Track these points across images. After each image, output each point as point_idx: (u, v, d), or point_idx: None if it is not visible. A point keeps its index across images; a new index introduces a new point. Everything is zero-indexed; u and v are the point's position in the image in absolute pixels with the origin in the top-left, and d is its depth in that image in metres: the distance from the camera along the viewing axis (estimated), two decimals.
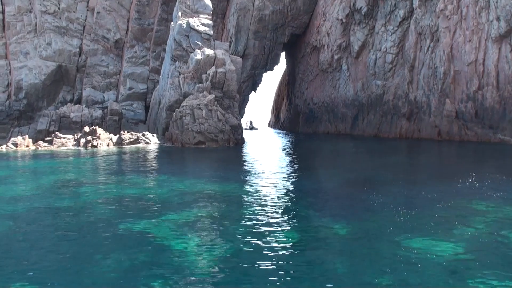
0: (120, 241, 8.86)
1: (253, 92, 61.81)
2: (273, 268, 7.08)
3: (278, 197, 13.38)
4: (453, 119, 35.97)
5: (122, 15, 59.35)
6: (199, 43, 38.52)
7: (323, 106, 56.20)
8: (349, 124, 50.11)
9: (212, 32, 40.22)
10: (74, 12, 59.21)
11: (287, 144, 38.46)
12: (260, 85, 61.71)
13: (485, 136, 33.17)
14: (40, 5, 57.49)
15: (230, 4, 59.52)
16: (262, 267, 7.11)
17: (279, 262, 7.32)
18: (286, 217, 10.62)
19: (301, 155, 28.82)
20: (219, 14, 60.98)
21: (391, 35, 43.60)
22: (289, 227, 9.67)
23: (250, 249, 8.05)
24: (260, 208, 11.58)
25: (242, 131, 37.41)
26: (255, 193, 14.06)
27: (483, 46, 34.15)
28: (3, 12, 58.04)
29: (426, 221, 9.97)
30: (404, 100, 41.63)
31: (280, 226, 9.69)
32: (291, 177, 17.96)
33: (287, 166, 22.23)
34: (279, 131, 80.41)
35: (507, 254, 7.69)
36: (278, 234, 9.05)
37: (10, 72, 57.40)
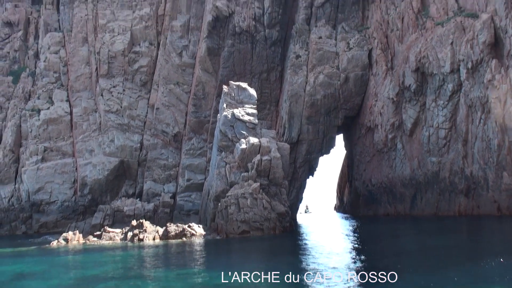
0: None
1: (310, 176, 61.16)
2: None
3: None
4: None
5: (180, 109, 61.77)
6: (244, 132, 39.10)
7: (381, 187, 54.49)
8: (408, 205, 48.04)
9: (257, 121, 40.80)
10: (135, 109, 62.38)
11: (338, 230, 37.07)
12: (316, 169, 60.97)
13: None
14: (104, 104, 61.18)
15: (283, 92, 60.62)
16: None
17: None
18: None
19: (344, 244, 27.57)
20: (272, 102, 61.97)
21: (442, 110, 42.43)
22: None
23: None
24: None
25: (290, 218, 36.54)
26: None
27: None
28: (71, 113, 62.30)
29: None
30: (461, 176, 39.59)
31: None
32: (320, 268, 17.05)
33: (323, 257, 21.23)
34: (342, 214, 78.41)
35: None
36: None
37: (76, 169, 60.45)
